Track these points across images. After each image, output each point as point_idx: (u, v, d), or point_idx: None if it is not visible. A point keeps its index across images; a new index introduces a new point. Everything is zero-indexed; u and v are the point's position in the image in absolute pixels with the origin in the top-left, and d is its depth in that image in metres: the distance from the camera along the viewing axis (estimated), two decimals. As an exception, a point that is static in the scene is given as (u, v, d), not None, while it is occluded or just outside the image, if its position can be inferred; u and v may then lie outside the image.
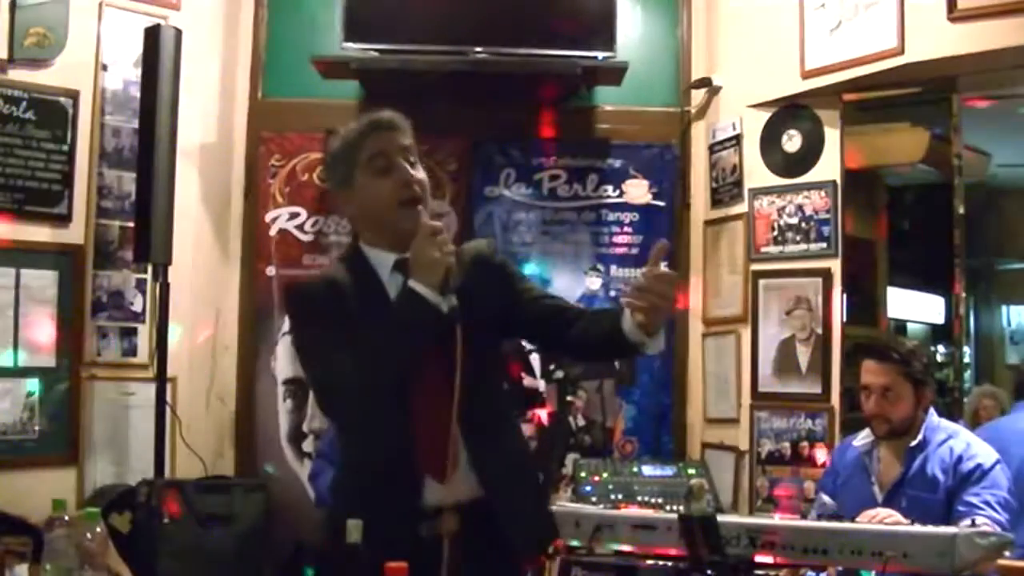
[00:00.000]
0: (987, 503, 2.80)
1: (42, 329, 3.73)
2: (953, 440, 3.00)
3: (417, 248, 2.08)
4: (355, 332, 2.08)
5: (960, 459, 2.92)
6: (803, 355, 3.98)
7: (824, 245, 3.96)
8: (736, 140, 4.25)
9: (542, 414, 4.37)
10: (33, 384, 3.70)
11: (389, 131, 2.19)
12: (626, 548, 2.47)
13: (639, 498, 3.60)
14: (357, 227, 2.29)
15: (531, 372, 4.38)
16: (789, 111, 4.09)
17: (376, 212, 2.20)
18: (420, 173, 2.20)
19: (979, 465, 2.90)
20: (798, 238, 4.03)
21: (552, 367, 4.35)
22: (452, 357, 2.12)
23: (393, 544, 1.82)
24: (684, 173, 4.50)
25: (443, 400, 2.12)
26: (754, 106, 4.19)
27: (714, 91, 4.41)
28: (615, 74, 4.26)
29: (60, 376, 3.77)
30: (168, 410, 3.79)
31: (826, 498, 3.21)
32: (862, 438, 3.16)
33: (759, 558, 2.26)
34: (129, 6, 3.98)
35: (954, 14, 3.42)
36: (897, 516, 2.64)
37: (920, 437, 3.01)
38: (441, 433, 2.12)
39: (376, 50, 4.16)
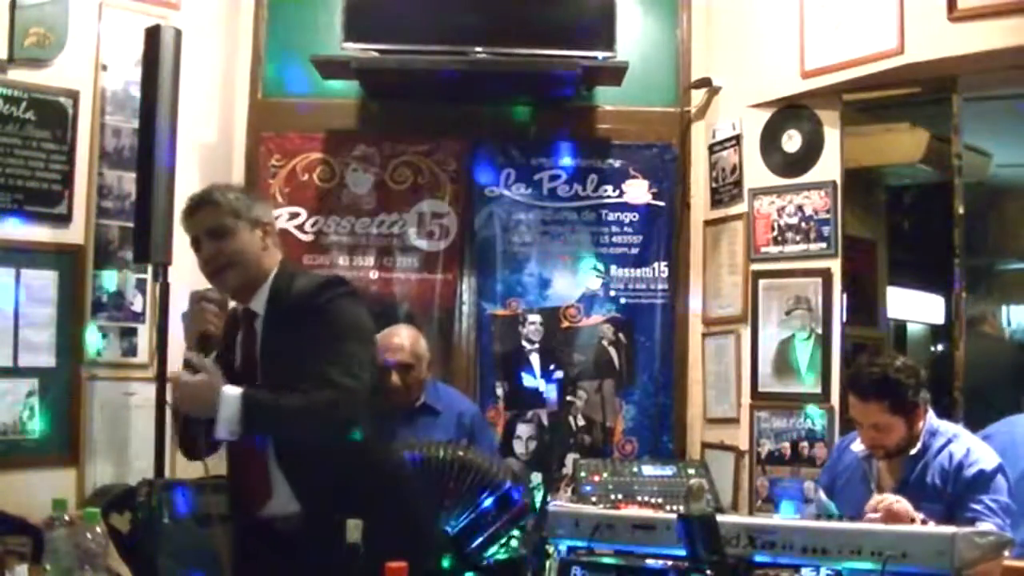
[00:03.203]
0: (991, 509, 2.78)
1: (42, 329, 3.73)
2: (953, 445, 2.95)
3: None
4: None
5: (961, 466, 2.89)
6: (803, 355, 3.98)
7: (824, 245, 3.96)
8: (736, 140, 4.25)
9: (542, 414, 4.38)
10: (33, 384, 3.70)
11: (192, 216, 2.61)
12: (626, 548, 2.47)
13: (639, 498, 3.59)
14: None
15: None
16: (789, 111, 4.09)
17: None
18: (224, 245, 2.57)
19: (982, 471, 2.86)
20: (798, 238, 4.03)
21: (552, 367, 4.35)
22: None
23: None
24: (684, 173, 4.50)
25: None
26: (754, 106, 4.20)
27: (714, 91, 4.41)
28: (615, 74, 4.26)
29: (60, 376, 3.77)
30: (168, 410, 3.79)
31: (823, 497, 3.19)
32: (860, 443, 3.09)
33: (759, 558, 2.26)
34: (129, 6, 3.97)
35: (954, 14, 3.42)
36: (904, 502, 2.64)
37: (919, 445, 2.97)
38: (254, 471, 2.53)
39: (376, 50, 4.16)
